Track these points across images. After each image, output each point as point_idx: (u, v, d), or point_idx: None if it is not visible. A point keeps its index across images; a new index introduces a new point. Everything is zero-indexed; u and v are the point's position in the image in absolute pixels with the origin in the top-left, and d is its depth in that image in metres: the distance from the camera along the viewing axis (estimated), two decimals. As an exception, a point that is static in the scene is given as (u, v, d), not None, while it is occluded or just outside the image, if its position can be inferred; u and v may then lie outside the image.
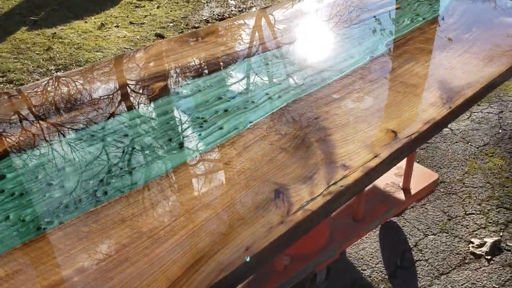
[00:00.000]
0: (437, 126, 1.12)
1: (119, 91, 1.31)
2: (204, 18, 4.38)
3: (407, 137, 1.05)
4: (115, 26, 4.03)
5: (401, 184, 1.65)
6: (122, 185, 0.93)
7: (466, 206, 1.93)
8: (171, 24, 4.16)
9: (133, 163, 1.00)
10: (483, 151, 2.29)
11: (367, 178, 0.96)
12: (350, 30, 1.64)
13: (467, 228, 1.82)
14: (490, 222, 1.84)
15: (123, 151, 1.04)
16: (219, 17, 4.45)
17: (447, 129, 2.50)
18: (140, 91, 1.30)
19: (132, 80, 1.37)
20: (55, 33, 3.78)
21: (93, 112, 1.20)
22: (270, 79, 1.34)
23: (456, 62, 1.37)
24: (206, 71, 1.41)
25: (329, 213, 0.90)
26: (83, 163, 1.01)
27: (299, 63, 1.42)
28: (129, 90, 1.32)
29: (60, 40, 3.68)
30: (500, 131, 2.45)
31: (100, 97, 1.28)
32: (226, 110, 1.20)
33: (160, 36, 3.87)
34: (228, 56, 1.50)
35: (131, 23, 4.13)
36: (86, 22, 4.10)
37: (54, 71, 3.17)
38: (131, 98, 1.27)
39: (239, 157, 1.01)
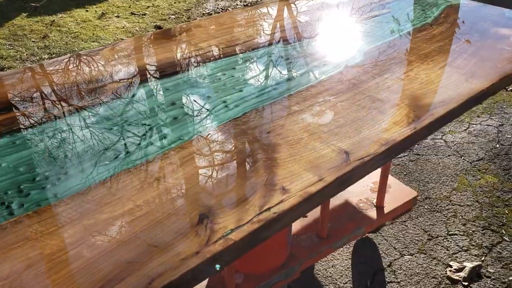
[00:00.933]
0: (396, 149, 1.02)
1: (52, 95, 1.24)
2: (207, 11, 4.29)
3: (359, 159, 0.96)
4: (116, 16, 3.97)
5: (374, 201, 1.55)
6: (28, 200, 0.86)
7: (449, 225, 1.82)
8: (173, 17, 4.08)
9: (52, 174, 0.93)
10: (476, 166, 2.17)
11: (306, 204, 0.88)
12: (329, 35, 1.54)
13: (447, 250, 1.72)
14: (473, 245, 1.74)
15: (44, 161, 0.97)
16: (223, 10, 4.35)
17: (441, 140, 2.38)
18: (87, 93, 1.23)
19: (80, 82, 1.29)
20: (54, 20, 3.74)
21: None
22: (231, 86, 1.26)
23: (434, 76, 1.27)
24: (167, 72, 1.34)
25: (255, 244, 0.82)
26: None
27: (266, 69, 1.34)
28: (68, 93, 1.25)
29: (58, 28, 3.64)
30: (497, 146, 2.32)
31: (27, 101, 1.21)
32: (175, 118, 1.12)
33: (159, 28, 3.80)
34: (192, 58, 1.42)
35: (132, 13, 4.07)
36: (87, 10, 4.05)
37: (47, 60, 3.13)
38: (73, 102, 1.20)
39: (173, 172, 0.93)
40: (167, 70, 1.34)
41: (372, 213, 1.51)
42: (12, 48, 3.27)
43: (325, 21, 1.66)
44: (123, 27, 3.77)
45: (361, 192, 1.60)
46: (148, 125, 1.08)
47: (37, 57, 3.17)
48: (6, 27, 3.59)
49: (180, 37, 1.57)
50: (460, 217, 1.86)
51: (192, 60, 1.41)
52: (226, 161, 0.96)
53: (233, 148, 0.99)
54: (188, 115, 1.12)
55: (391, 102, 1.15)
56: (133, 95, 1.21)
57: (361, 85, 1.24)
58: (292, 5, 1.85)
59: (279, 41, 1.51)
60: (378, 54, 1.40)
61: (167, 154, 0.98)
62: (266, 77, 1.29)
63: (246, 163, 0.95)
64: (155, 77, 1.31)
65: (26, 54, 3.20)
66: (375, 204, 1.54)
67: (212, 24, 1.68)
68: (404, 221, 1.84)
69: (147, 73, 1.34)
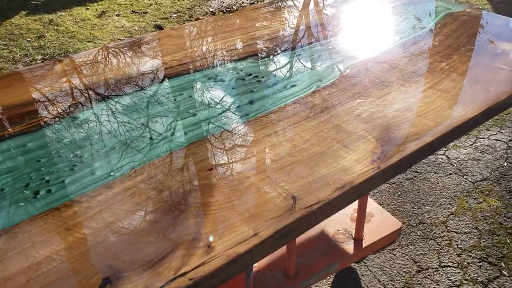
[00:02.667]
0: (354, 192, 0.88)
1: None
2: (211, 10, 4.16)
3: (307, 208, 0.82)
4: (116, 15, 3.88)
5: (353, 233, 1.40)
6: None
7: (442, 256, 1.66)
8: (175, 15, 3.97)
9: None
10: (479, 187, 1.99)
11: (233, 267, 0.74)
12: (302, 50, 1.39)
13: (437, 284, 1.56)
14: (467, 279, 1.57)
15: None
16: (227, 9, 4.22)
17: (443, 156, 2.20)
18: (16, 119, 1.12)
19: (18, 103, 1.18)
20: (52, 19, 3.67)
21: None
22: (185, 109, 1.13)
23: (414, 101, 1.11)
24: (121, 91, 1.22)
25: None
26: None
27: (228, 90, 1.20)
28: None
29: (55, 27, 3.57)
30: (505, 164, 2.13)
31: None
32: (113, 148, 1.00)
33: (159, 27, 3.69)
34: (149, 73, 1.29)
35: (133, 11, 3.97)
36: (87, 8, 3.97)
37: (39, 61, 3.07)
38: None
39: (87, 221, 0.81)
40: (115, 89, 1.22)
41: (349, 247, 1.37)
42: (6, 48, 3.21)
43: (300, 33, 1.51)
44: (122, 26, 3.68)
45: (339, 221, 1.46)
46: (71, 161, 0.96)
47: (30, 58, 3.11)
48: (3, 26, 3.55)
49: (145, 48, 1.45)
50: (455, 246, 1.69)
51: (150, 76, 1.28)
52: (149, 208, 0.83)
53: (160, 191, 0.87)
54: (124, 145, 0.99)
55: (358, 134, 1.00)
56: (64, 125, 1.09)
57: (329, 111, 1.09)
58: (273, 14, 1.70)
59: (248, 57, 1.37)
60: (355, 73, 1.25)
61: (75, 201, 0.86)
62: (226, 99, 1.16)
63: (172, 210, 0.82)
64: (96, 99, 1.19)
65: (20, 55, 3.14)
66: (353, 236, 1.40)
67: (184, 34, 1.55)
68: (392, 249, 1.68)
69: (85, 94, 1.21)
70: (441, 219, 1.82)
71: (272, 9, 1.73)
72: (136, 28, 3.67)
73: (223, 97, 1.16)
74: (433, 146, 1.00)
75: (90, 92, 1.21)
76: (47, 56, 3.16)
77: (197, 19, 3.96)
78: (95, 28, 3.62)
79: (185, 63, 1.34)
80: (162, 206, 0.83)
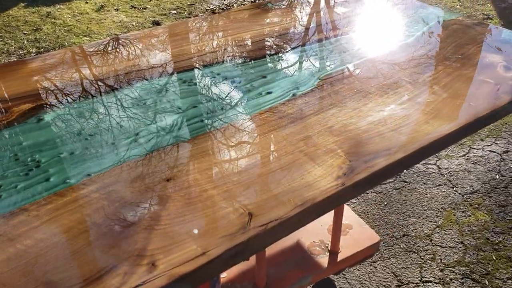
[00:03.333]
0: (315, 210, 0.84)
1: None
2: (211, 7, 4.12)
3: (262, 226, 0.78)
4: (115, 9, 3.85)
5: (329, 246, 1.37)
6: None
7: (425, 270, 1.62)
8: (174, 12, 3.93)
9: None
10: (469, 200, 1.94)
11: (176, 286, 0.71)
12: (283, 56, 1.35)
13: (417, 300, 1.52)
14: (448, 296, 1.53)
15: None
16: (227, 7, 4.17)
17: (434, 166, 2.15)
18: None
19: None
20: (50, 12, 3.65)
21: None
22: (153, 114, 1.09)
23: (390, 114, 1.06)
24: (85, 94, 1.18)
25: None
26: None
27: (196, 97, 1.16)
28: None
29: (52, 20, 3.55)
30: (497, 177, 2.07)
31: None
32: (72, 153, 0.97)
33: (157, 24, 3.66)
34: (121, 76, 1.26)
35: (133, 7, 3.94)
36: (86, 2, 3.94)
37: (33, 54, 3.05)
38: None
39: (30, 231, 0.77)
40: (80, 92, 1.18)
41: (324, 260, 1.33)
42: (1, 40, 3.19)
43: (282, 38, 1.46)
44: (120, 21, 3.65)
45: (316, 232, 1.42)
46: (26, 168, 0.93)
47: (25, 51, 3.09)
48: (1, 18, 3.53)
49: (120, 49, 1.41)
50: (439, 261, 1.65)
51: (120, 78, 1.25)
52: (98, 219, 0.79)
53: (111, 202, 0.83)
54: (84, 150, 0.96)
55: (327, 147, 0.96)
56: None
57: (301, 121, 1.05)
58: (256, 17, 1.66)
59: (226, 60, 1.33)
60: (334, 82, 1.20)
61: (23, 209, 0.82)
62: (195, 105, 1.12)
63: (121, 223, 0.79)
64: (61, 102, 1.15)
65: (14, 48, 3.12)
66: (329, 248, 1.36)
67: (165, 34, 1.51)
68: (373, 261, 1.64)
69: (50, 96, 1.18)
70: (426, 232, 1.77)
71: (257, 11, 1.69)
72: (134, 23, 3.64)
73: (192, 103, 1.12)
74: (404, 162, 0.96)
75: (52, 95, 1.18)
76: (42, 49, 3.14)
77: (196, 16, 3.93)
78: (93, 22, 3.59)
79: (158, 66, 1.30)
80: (111, 218, 0.80)
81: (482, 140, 2.35)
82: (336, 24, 1.54)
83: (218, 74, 1.26)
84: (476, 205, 1.90)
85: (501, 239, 1.73)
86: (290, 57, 1.34)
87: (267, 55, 1.36)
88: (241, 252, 0.77)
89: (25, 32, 3.35)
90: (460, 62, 1.29)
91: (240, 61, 1.33)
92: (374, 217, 1.83)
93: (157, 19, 3.74)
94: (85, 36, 3.37)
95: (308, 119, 1.06)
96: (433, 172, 2.11)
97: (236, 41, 1.45)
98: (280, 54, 1.36)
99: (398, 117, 1.05)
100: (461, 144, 2.32)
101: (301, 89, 1.19)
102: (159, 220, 0.79)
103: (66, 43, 3.23)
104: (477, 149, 2.28)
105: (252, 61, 1.32)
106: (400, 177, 2.07)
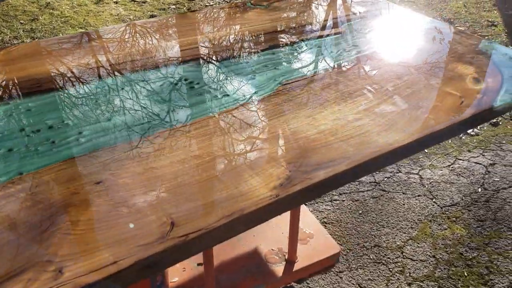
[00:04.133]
0: (242, 223, 0.81)
1: None
2: (210, 3, 4.09)
3: (182, 236, 0.75)
4: (114, 2, 3.84)
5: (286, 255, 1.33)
6: None
7: (392, 283, 1.58)
8: (173, 6, 3.91)
9: None
10: (447, 213, 1.89)
11: (80, 296, 0.69)
12: (252, 58, 1.32)
13: (380, 314, 1.48)
14: (413, 311, 1.49)
15: None
16: (227, 2, 4.14)
17: (415, 176, 2.10)
18: None
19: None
20: (49, 3, 3.66)
21: None
22: (101, 112, 1.07)
23: (343, 124, 1.02)
24: (41, 88, 1.17)
25: None
26: None
27: (150, 98, 1.13)
28: None
29: (50, 11, 3.55)
30: (480, 190, 2.02)
31: None
32: (10, 150, 0.95)
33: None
34: (71, 72, 1.24)
35: (132, 0, 3.93)
36: (87, -6, 3.94)
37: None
38: None
39: None
40: (32, 87, 1.16)
41: (279, 269, 1.30)
42: (-3, 29, 3.21)
43: (249, 39, 1.43)
44: (117, 14, 3.64)
45: (276, 240, 1.39)
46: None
47: (19, 41, 3.10)
48: (0, 7, 3.55)
49: (71, 47, 1.39)
50: (408, 274, 1.61)
51: (69, 75, 1.23)
52: (17, 221, 0.77)
53: (35, 203, 0.81)
54: (25, 147, 0.94)
55: (271, 156, 0.93)
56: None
57: (249, 128, 1.01)
58: (224, 17, 1.63)
59: (190, 60, 1.30)
60: (294, 88, 1.17)
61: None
62: (146, 105, 1.09)
63: (38, 227, 0.76)
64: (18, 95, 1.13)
65: (9, 37, 3.13)
66: (286, 257, 1.33)
67: (118, 34, 1.49)
68: (340, 271, 1.60)
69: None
70: (398, 243, 1.73)
71: (226, 11, 1.66)
72: (132, 17, 3.63)
73: (140, 105, 1.10)
74: (347, 175, 0.92)
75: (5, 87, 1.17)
76: (36, 40, 3.14)
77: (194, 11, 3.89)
78: (90, 14, 3.59)
79: (115, 64, 1.28)
80: (30, 221, 0.78)
81: (469, 151, 2.29)
82: (306, 29, 1.50)
83: (178, 74, 1.23)
84: (454, 218, 1.85)
85: (475, 255, 1.68)
86: (254, 60, 1.31)
87: (231, 57, 1.33)
88: (156, 263, 0.74)
89: (22, 21, 3.36)
90: (428, 72, 1.25)
91: (202, 62, 1.30)
92: (347, 225, 1.79)
93: (155, 13, 3.73)
94: (80, 28, 3.37)
95: (257, 125, 1.03)
96: (414, 182, 2.06)
97: (202, 42, 1.42)
98: (245, 57, 1.33)
99: (350, 127, 1.02)
100: (447, 154, 2.27)
101: (260, 93, 1.16)
102: (78, 225, 0.77)
103: (61, 35, 3.24)
104: (463, 160, 2.22)
105: (216, 63, 1.29)
106: (379, 185, 2.03)
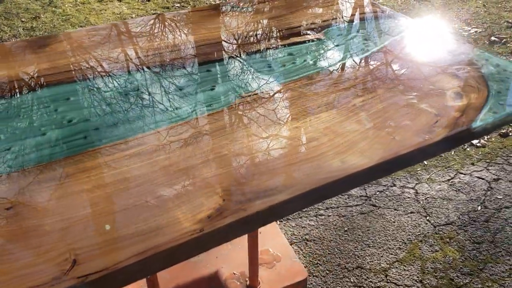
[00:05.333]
0: (157, 262, 0.71)
1: None
2: (217, 1, 4.00)
3: (81, 277, 0.66)
4: (118, 0, 3.79)
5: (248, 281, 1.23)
6: None
7: (371, 310, 1.46)
8: (178, 5, 3.84)
9: None
10: (440, 233, 1.75)
11: None
12: (218, 66, 1.22)
13: None
14: None
15: None
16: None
17: (411, 191, 1.96)
18: None
19: None
20: (52, 0, 3.64)
21: None
22: (48, 122, 0.99)
23: (296, 145, 0.91)
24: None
25: None
26: None
27: (95, 109, 1.05)
28: None
29: (53, 9, 3.53)
30: (479, 208, 1.87)
31: None
32: None
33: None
34: (23, 80, 1.16)
35: (137, -2, 3.88)
36: (91, -8, 3.91)
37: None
38: None
39: None
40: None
41: (238, 296, 1.20)
42: (-3, 27, 3.20)
43: (214, 46, 1.32)
44: (120, 13, 3.59)
45: (240, 263, 1.29)
46: None
47: (18, 39, 3.08)
48: (3, 4, 3.55)
49: (36, 50, 1.32)
50: (390, 301, 1.48)
51: (22, 83, 1.15)
52: None
53: None
54: None
55: (206, 181, 0.83)
56: None
57: (190, 147, 0.91)
58: (187, 23, 1.53)
59: (148, 68, 1.21)
60: (251, 102, 1.06)
61: None
62: (87, 117, 1.01)
63: None
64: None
65: (8, 35, 3.12)
66: (247, 283, 1.23)
67: (83, 37, 1.41)
68: (316, 295, 1.49)
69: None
70: (383, 265, 1.60)
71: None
72: (134, 16, 3.57)
73: (83, 116, 1.01)
74: (289, 205, 0.81)
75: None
76: (35, 38, 3.13)
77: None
78: (92, 12, 3.55)
79: (65, 72, 1.20)
80: None
81: (473, 164, 2.13)
82: (282, 35, 1.39)
83: (131, 83, 1.14)
84: (447, 239, 1.71)
85: (467, 281, 1.54)
86: (218, 69, 1.21)
87: (193, 66, 1.23)
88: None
89: (23, 20, 3.35)
90: (405, 84, 1.12)
91: (159, 70, 1.20)
92: (330, 243, 1.68)
93: (159, 12, 3.66)
94: (81, 26, 3.33)
95: (201, 144, 0.93)
96: (409, 197, 1.92)
97: (161, 48, 1.32)
98: (208, 65, 1.23)
99: (303, 149, 0.91)
100: (448, 167, 2.12)
101: (214, 106, 1.06)
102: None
103: (60, 33, 3.21)
104: (465, 174, 2.07)
105: (174, 72, 1.19)
106: (370, 200, 1.90)
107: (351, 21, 1.48)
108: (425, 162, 2.16)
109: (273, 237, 1.37)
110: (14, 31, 3.20)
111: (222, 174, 0.85)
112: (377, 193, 1.94)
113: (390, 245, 1.69)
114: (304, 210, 1.84)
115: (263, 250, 1.31)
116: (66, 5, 3.61)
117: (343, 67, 1.20)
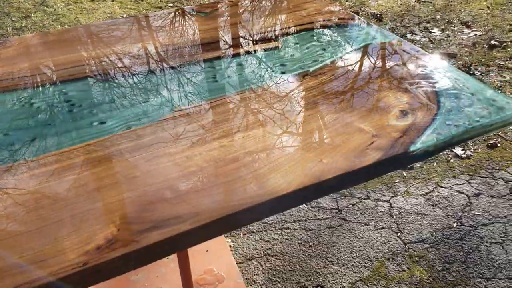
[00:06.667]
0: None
1: None
2: (211, 1, 3.94)
3: None
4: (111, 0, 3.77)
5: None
6: None
7: (326, 333, 1.39)
8: (171, 5, 3.80)
9: None
10: (410, 250, 1.67)
11: None
12: (156, 75, 1.16)
13: None
14: None
15: None
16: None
17: (385, 204, 1.88)
18: None
19: None
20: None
21: None
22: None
23: (215, 167, 0.85)
24: None
25: None
26: None
27: (18, 121, 1.00)
28: None
29: (45, 8, 3.52)
30: (455, 225, 1.78)
31: None
32: None
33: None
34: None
35: (130, -2, 3.84)
36: (85, -9, 3.90)
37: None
38: None
39: None
40: None
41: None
42: (-14, 26, 3.21)
43: (157, 54, 1.26)
44: (111, 12, 3.56)
45: (180, 283, 1.23)
46: None
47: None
48: (-5, 3, 3.56)
49: (15, 48, 1.28)
50: (347, 324, 1.41)
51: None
52: None
53: None
54: None
55: (108, 206, 0.77)
56: None
57: (103, 165, 0.86)
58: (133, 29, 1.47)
59: (84, 78, 1.15)
60: (184, 117, 1.00)
61: None
62: (7, 131, 0.96)
63: None
64: None
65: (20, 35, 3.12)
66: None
67: (67, 37, 1.36)
68: (271, 314, 1.43)
69: None
70: (345, 285, 1.53)
71: (137, 23, 1.50)
72: (125, 16, 3.54)
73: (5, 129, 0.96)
74: (191, 236, 0.75)
75: None
76: (22, 38, 3.12)
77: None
78: (83, 12, 3.53)
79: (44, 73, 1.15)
80: None
81: (454, 177, 2.04)
82: (232, 44, 1.33)
83: (61, 92, 1.09)
84: (417, 258, 1.63)
85: (432, 304, 1.46)
86: (154, 79, 1.15)
87: (126, 75, 1.17)
88: None
89: (13, 19, 3.35)
90: (348, 100, 1.05)
91: (92, 81, 1.15)
92: (292, 259, 1.61)
93: (152, 11, 3.62)
94: (69, 27, 3.31)
95: (115, 164, 0.87)
96: (382, 211, 1.84)
97: (103, 56, 1.27)
98: (144, 75, 1.17)
99: (219, 173, 0.84)
100: (428, 180, 2.03)
101: (143, 120, 1.01)
102: None
103: (48, 33, 3.20)
104: (445, 187, 1.98)
105: (106, 83, 1.14)
106: (341, 213, 1.83)
107: (314, 29, 1.41)
108: (404, 174, 2.07)
109: (220, 255, 1.31)
110: (3, 30, 3.19)
111: (128, 199, 0.79)
112: (349, 206, 1.87)
113: (355, 262, 1.61)
114: (270, 222, 1.77)
115: (207, 269, 1.25)
116: (58, 4, 3.59)
117: (286, 80, 1.13)
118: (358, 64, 1.21)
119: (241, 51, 1.31)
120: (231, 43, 1.35)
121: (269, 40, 1.36)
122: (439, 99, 1.07)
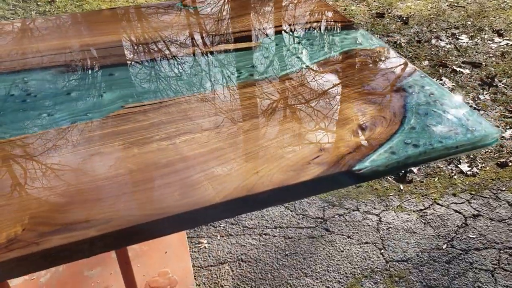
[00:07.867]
0: None
1: None
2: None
3: None
4: (135, -11, 3.80)
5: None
6: None
7: None
8: None
9: None
10: (391, 269, 1.58)
11: None
12: (111, 70, 1.13)
13: None
14: None
15: None
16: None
17: (374, 217, 1.79)
18: None
19: None
20: (71, -14, 3.71)
21: None
22: None
23: (140, 173, 0.82)
24: None
25: None
26: None
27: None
28: None
29: (70, -6, 3.60)
30: (445, 246, 1.67)
31: None
32: None
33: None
34: None
35: (154, -12, 3.87)
36: (111, -21, 3.95)
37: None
38: None
39: None
40: None
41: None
42: (12, 10, 3.30)
43: (122, 48, 1.23)
44: (134, 1, 3.59)
45: (138, 283, 1.21)
46: None
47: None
48: (24, -13, 3.66)
49: None
50: None
51: None
52: None
53: None
54: None
55: (21, 205, 0.75)
56: None
57: (33, 161, 0.84)
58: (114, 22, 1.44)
59: (52, 67, 1.14)
60: (136, 114, 0.97)
61: None
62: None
63: None
64: None
65: (20, 18, 3.20)
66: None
67: (50, 25, 1.36)
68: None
69: None
70: (315, 299, 1.47)
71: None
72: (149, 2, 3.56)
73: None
74: (96, 244, 0.72)
75: None
76: (43, 22, 3.20)
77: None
78: (106, 0, 3.58)
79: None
80: None
81: (454, 195, 1.92)
82: (210, 41, 1.28)
83: (26, 82, 1.07)
84: (397, 278, 1.54)
85: (404, 329, 1.38)
86: (118, 75, 1.12)
87: (88, 68, 1.14)
88: None
89: (39, 3, 3.43)
90: (305, 110, 0.98)
91: (49, 74, 1.13)
92: (265, 267, 1.56)
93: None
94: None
95: (41, 160, 0.85)
96: (369, 225, 1.75)
97: (59, 49, 1.24)
98: (99, 69, 1.15)
99: (146, 178, 0.81)
100: (426, 195, 1.92)
101: (90, 115, 0.99)
102: None
103: (68, 19, 3.26)
104: (442, 205, 1.86)
105: (66, 74, 1.12)
106: (325, 223, 1.75)
107: (298, 30, 1.34)
108: (401, 187, 1.97)
109: (178, 258, 1.28)
110: (27, 14, 3.28)
111: (42, 199, 0.77)
112: (336, 216, 1.79)
113: (329, 277, 1.54)
114: (250, 226, 1.73)
115: (162, 271, 1.22)
116: (83, -9, 3.67)
117: (252, 84, 1.08)
118: (331, 71, 1.14)
119: (204, 50, 1.26)
120: (200, 42, 1.31)
121: (244, 40, 1.31)
122: (405, 114, 0.99)
